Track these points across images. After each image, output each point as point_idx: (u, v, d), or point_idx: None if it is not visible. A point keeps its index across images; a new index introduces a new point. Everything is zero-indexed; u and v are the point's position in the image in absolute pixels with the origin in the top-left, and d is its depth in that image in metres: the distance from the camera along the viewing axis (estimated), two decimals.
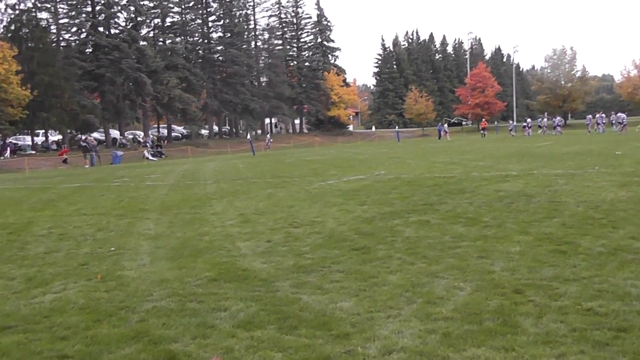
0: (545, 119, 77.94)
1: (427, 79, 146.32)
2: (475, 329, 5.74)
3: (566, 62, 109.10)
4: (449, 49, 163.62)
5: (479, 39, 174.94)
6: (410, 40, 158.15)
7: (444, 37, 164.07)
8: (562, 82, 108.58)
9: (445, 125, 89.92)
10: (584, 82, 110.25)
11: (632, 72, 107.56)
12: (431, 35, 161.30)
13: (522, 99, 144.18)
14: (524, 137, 67.88)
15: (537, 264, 8.00)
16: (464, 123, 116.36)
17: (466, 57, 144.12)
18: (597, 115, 73.35)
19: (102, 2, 73.46)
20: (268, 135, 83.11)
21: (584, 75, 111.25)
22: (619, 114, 69.86)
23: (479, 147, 46.20)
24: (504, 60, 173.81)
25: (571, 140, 49.66)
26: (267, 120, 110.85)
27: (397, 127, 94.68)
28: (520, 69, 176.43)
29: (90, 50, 73.77)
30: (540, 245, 9.12)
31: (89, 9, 73.49)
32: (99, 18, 73.40)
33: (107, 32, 73.97)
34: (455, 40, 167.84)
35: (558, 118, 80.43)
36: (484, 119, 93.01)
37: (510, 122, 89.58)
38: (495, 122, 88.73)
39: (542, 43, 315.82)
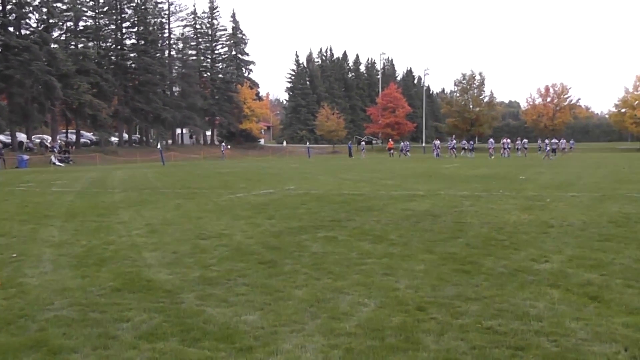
0: (454, 142, 79.59)
1: (340, 97, 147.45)
2: (377, 345, 5.81)
3: (475, 87, 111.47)
4: (362, 68, 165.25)
5: (392, 59, 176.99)
6: (324, 57, 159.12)
7: (357, 56, 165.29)
8: (471, 106, 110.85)
9: (363, 142, 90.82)
10: (492, 107, 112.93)
11: (537, 100, 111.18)
12: (345, 54, 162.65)
13: (431, 121, 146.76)
14: (433, 159, 69.01)
15: (440, 283, 8.15)
16: (374, 142, 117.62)
17: (378, 77, 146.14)
18: (503, 140, 75.29)
19: (14, 1, 71.56)
20: (224, 144, 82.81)
21: (491, 101, 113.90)
22: (524, 140, 72.64)
23: (388, 167, 46.76)
24: (415, 82, 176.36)
25: (478, 164, 50.76)
26: (179, 131, 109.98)
27: (307, 142, 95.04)
28: (431, 92, 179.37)
29: None
30: (444, 264, 9.29)
31: None
32: (10, 18, 71.42)
33: (17, 33, 71.97)
34: (368, 59, 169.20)
35: (470, 142, 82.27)
36: (390, 140, 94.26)
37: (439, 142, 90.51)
38: (402, 143, 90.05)
39: (452, 67, 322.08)
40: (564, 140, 76.77)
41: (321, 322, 6.53)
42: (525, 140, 79.01)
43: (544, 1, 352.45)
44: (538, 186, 24.28)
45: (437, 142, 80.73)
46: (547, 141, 68.46)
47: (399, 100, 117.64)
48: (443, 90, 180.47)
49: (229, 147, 79.89)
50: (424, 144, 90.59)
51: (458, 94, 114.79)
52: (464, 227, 13.08)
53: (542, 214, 15.13)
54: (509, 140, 75.16)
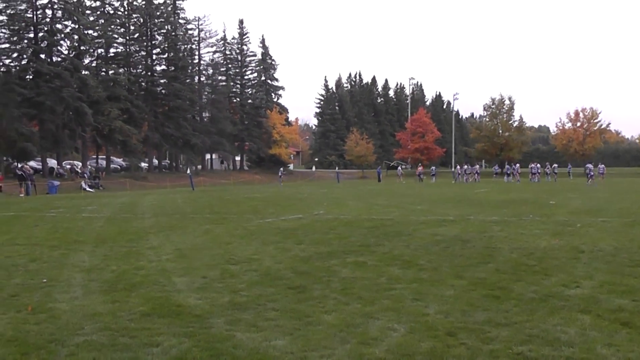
0: (466, 167, 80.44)
1: (369, 122, 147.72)
2: None
3: (504, 112, 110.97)
4: (391, 92, 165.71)
5: (420, 84, 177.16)
6: (353, 83, 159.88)
7: (386, 80, 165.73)
8: (500, 131, 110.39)
9: (433, 168, 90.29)
10: (521, 132, 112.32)
11: (566, 125, 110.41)
12: (374, 79, 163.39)
13: (461, 146, 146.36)
14: (460, 184, 68.93)
15: (470, 308, 8.08)
16: (403, 167, 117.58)
17: (407, 102, 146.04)
18: (531, 165, 74.89)
19: (45, 29, 72.58)
20: (282, 169, 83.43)
21: (521, 125, 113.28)
22: (554, 165, 72.56)
23: (417, 191, 46.65)
24: (444, 106, 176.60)
25: (507, 188, 50.50)
26: (208, 156, 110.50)
27: (337, 167, 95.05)
28: (460, 116, 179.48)
29: (31, 77, 72.55)
30: (474, 289, 9.22)
31: (32, 35, 72.48)
32: (42, 45, 72.40)
33: (49, 60, 72.94)
34: (397, 84, 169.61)
35: (477, 166, 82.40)
36: (420, 164, 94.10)
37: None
38: (433, 168, 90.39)
39: (482, 92, 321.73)
40: (602, 166, 76.39)
41: (351, 347, 6.50)
42: (555, 165, 78.60)
43: (574, 26, 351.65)
44: (568, 211, 24.09)
45: (458, 167, 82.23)
46: (589, 166, 68.02)
47: (428, 125, 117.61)
48: (472, 114, 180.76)
49: (284, 172, 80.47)
50: (453, 169, 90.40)
51: (487, 119, 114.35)
52: (493, 252, 12.99)
53: (573, 239, 15.00)
54: (538, 165, 74.71)
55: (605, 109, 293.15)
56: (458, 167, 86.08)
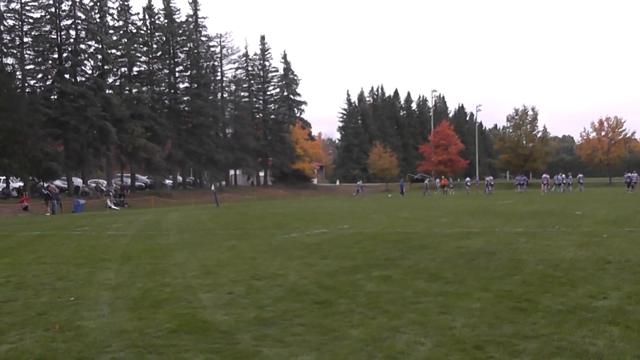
0: (476, 179, 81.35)
1: (392, 135, 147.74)
2: None
3: (527, 122, 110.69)
4: (413, 105, 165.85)
5: (443, 96, 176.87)
6: (375, 96, 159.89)
7: (409, 93, 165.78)
8: (524, 142, 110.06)
9: (467, 179, 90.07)
10: (545, 142, 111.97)
11: (591, 135, 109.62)
12: (396, 92, 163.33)
13: (484, 158, 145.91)
14: (475, 195, 68.78)
15: (497, 321, 8.04)
16: (427, 180, 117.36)
17: (430, 114, 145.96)
18: (556, 176, 74.70)
19: (70, 49, 73.40)
20: (360, 182, 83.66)
21: (544, 136, 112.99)
22: (579, 175, 72.67)
23: (441, 204, 46.51)
24: (467, 118, 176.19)
25: (532, 199, 50.24)
26: (232, 172, 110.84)
27: (359, 181, 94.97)
28: (483, 128, 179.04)
29: (56, 97, 73.32)
30: (500, 302, 9.17)
31: (56, 55, 73.31)
32: (66, 65, 73.19)
33: (73, 80, 73.69)
34: (419, 97, 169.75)
35: (490, 177, 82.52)
36: (443, 177, 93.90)
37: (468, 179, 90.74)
38: (450, 180, 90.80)
39: (505, 103, 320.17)
40: (636, 174, 76.25)
41: None
42: (581, 175, 78.23)
43: (598, 35, 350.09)
44: (594, 222, 23.89)
45: (468, 179, 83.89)
46: (626, 175, 68.04)
47: (451, 137, 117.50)
48: (495, 126, 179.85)
49: (362, 185, 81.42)
50: (479, 180, 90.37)
51: (511, 130, 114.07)
52: (519, 264, 12.90)
53: (599, 250, 14.88)
54: (563, 176, 74.45)
55: (630, 117, 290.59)
56: (468, 179, 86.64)
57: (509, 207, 38.18)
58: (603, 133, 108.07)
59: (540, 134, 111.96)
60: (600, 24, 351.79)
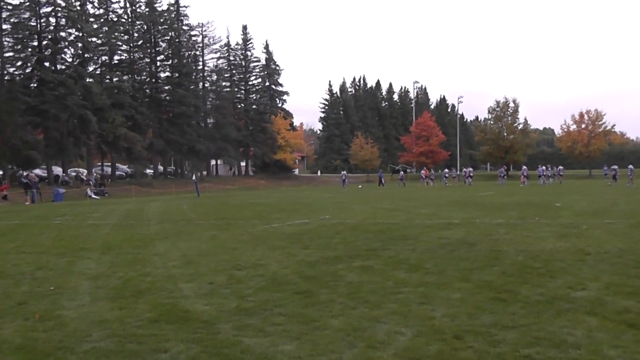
0: (454, 170, 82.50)
1: (373, 126, 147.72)
2: None
3: (509, 114, 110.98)
4: (395, 96, 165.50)
5: (425, 88, 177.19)
6: (357, 87, 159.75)
7: (391, 84, 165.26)
8: (505, 134, 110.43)
9: (422, 172, 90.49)
10: (526, 134, 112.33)
11: (571, 127, 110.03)
12: (378, 83, 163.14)
13: (465, 149, 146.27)
14: (455, 186, 69.12)
15: (477, 311, 8.10)
16: (408, 170, 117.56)
17: (412, 105, 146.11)
18: (539, 168, 75.10)
19: (49, 37, 72.75)
20: (344, 172, 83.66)
21: (525, 128, 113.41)
22: (559, 167, 73.53)
23: (421, 195, 46.63)
24: (449, 110, 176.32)
25: (512, 191, 50.45)
26: (213, 162, 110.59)
27: (342, 172, 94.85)
28: (465, 119, 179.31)
29: (35, 85, 72.75)
30: (480, 292, 9.23)
31: (35, 43, 72.61)
32: (46, 53, 72.60)
33: (53, 68, 73.13)
34: (401, 88, 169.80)
35: (470, 169, 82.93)
36: (425, 168, 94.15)
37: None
38: (432, 171, 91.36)
39: (486, 95, 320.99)
40: (561, 167, 77.90)
41: (358, 352, 6.51)
42: (561, 167, 78.76)
43: (579, 28, 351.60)
44: (574, 213, 24.04)
45: (447, 170, 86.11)
46: (605, 167, 68.95)
47: (432, 129, 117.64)
48: (477, 117, 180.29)
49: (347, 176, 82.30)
50: (458, 172, 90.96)
51: (492, 122, 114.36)
52: (499, 255, 12.98)
53: (578, 241, 14.99)
54: (544, 168, 74.92)
55: (610, 110, 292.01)
56: (447, 170, 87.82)
57: (489, 198, 38.35)
58: (583, 125, 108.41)
59: (521, 126, 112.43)
60: (582, 16, 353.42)
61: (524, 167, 75.09)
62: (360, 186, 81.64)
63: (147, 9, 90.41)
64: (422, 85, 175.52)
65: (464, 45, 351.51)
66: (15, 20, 71.92)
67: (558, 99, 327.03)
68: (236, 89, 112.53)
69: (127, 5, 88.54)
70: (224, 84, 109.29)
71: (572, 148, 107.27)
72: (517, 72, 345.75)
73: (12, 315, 8.63)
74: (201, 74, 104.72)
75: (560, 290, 9.23)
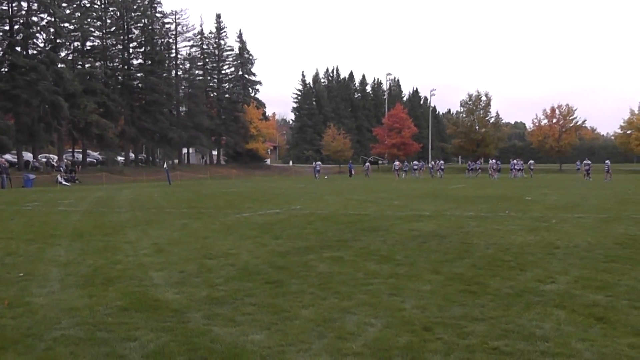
0: (422, 162, 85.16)
1: (346, 117, 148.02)
2: None
3: (481, 108, 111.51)
4: (368, 88, 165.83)
5: (398, 80, 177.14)
6: (330, 78, 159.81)
7: (364, 76, 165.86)
8: (477, 127, 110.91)
9: (367, 163, 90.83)
10: (498, 128, 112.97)
11: (543, 121, 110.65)
12: (351, 74, 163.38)
13: (437, 142, 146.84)
14: (427, 179, 69.60)
15: (447, 303, 8.15)
16: (380, 162, 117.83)
17: (384, 97, 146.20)
18: (512, 162, 75.74)
19: (21, 21, 71.90)
20: (319, 163, 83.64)
21: (497, 122, 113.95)
22: (530, 161, 74.58)
23: (393, 187, 46.78)
24: (421, 102, 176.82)
25: (484, 184, 50.77)
26: (185, 150, 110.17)
27: (315, 162, 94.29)
28: (437, 112, 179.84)
29: (6, 70, 71.92)
30: (450, 284, 9.29)
31: (7, 27, 71.78)
32: (17, 38, 71.72)
33: (24, 53, 72.30)
34: (374, 80, 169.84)
35: (441, 161, 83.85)
36: (397, 160, 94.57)
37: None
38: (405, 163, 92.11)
39: (459, 88, 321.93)
40: (532, 161, 79.48)
41: (328, 342, 6.54)
42: (532, 162, 79.36)
43: (550, 21, 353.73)
44: (544, 207, 24.26)
45: (415, 162, 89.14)
46: (578, 163, 70.64)
47: (405, 121, 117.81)
48: (449, 110, 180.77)
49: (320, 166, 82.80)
50: (430, 165, 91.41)
51: (464, 115, 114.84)
52: (470, 247, 13.07)
53: (548, 235, 15.13)
54: (517, 161, 75.61)
55: (581, 106, 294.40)
56: (415, 162, 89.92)
57: (461, 191, 38.56)
58: (555, 120, 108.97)
59: (493, 119, 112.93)
60: (553, 11, 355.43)
61: (493, 160, 75.75)
62: (326, 176, 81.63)
63: None
64: (395, 78, 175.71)
65: (438, 38, 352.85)
66: None
67: (530, 93, 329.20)
68: (209, 78, 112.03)
69: None
70: (196, 72, 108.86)
71: (543, 142, 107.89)
72: (490, 67, 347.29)
73: None
74: (174, 62, 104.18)
75: (530, 284, 9.31)
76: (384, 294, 8.74)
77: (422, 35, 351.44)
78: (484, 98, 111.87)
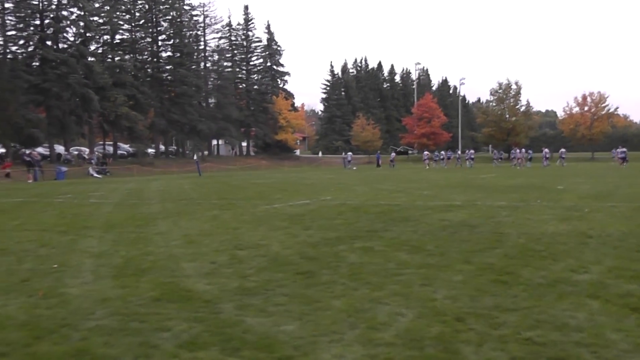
0: (449, 152, 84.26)
1: (375, 107, 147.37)
2: (416, 355, 5.79)
3: (511, 96, 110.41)
4: (397, 78, 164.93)
5: (427, 69, 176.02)
6: (358, 68, 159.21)
7: (392, 66, 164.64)
8: (507, 116, 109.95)
9: (393, 154, 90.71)
10: (528, 116, 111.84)
11: (574, 109, 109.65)
12: (380, 64, 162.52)
13: (467, 131, 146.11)
14: (446, 169, 69.27)
15: (478, 293, 8.09)
16: (409, 152, 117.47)
17: (413, 87, 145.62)
18: (544, 150, 75.36)
19: (51, 16, 72.64)
20: (350, 153, 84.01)
21: (528, 110, 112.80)
22: (561, 150, 73.98)
23: (423, 177, 46.64)
24: (451, 91, 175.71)
25: (514, 173, 50.44)
26: (215, 142, 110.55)
27: (344, 153, 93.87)
28: (467, 101, 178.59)
29: (38, 64, 72.77)
30: (482, 274, 9.22)
31: (38, 22, 72.54)
32: (48, 32, 72.52)
33: (55, 47, 73.13)
34: (403, 69, 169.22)
35: (471, 151, 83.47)
36: (426, 150, 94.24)
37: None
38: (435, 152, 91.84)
39: (488, 76, 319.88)
40: (563, 150, 78.84)
41: (360, 332, 6.53)
42: (563, 150, 78.71)
43: (582, 8, 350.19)
44: (576, 196, 23.98)
45: (442, 152, 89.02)
46: (614, 150, 70.12)
47: (434, 110, 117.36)
48: (479, 99, 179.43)
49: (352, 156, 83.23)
50: (459, 154, 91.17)
51: (494, 104, 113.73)
52: (501, 237, 12.97)
53: (581, 224, 14.95)
54: (547, 150, 75.18)
55: (613, 92, 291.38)
56: (442, 152, 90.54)
57: (491, 180, 38.34)
58: (586, 108, 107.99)
59: (523, 108, 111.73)
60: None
61: (517, 150, 75.56)
62: (354, 167, 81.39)
63: None
64: (424, 67, 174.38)
65: (467, 27, 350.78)
66: None
67: (561, 81, 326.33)
68: (237, 69, 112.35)
69: None
70: (225, 64, 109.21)
71: (575, 131, 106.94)
72: (521, 55, 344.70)
73: (16, 292, 8.66)
74: (203, 54, 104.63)
75: (562, 273, 9.22)
76: (415, 284, 8.70)
77: (451, 24, 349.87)
78: (514, 86, 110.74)
